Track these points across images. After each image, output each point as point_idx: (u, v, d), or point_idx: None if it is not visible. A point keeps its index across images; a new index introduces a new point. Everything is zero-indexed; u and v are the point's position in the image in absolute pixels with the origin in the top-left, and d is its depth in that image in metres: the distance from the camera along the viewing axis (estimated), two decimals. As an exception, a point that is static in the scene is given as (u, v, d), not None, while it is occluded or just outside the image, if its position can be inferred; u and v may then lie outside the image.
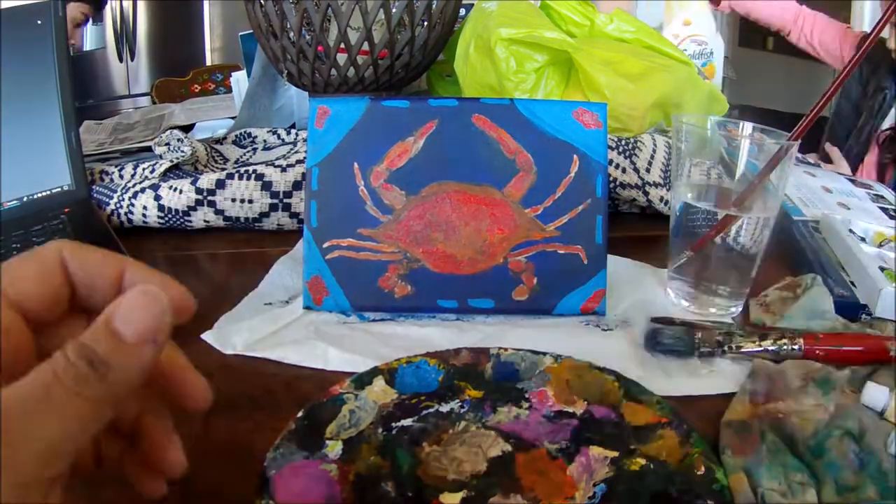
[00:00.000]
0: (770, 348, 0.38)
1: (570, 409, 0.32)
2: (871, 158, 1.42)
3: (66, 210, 0.58)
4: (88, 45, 2.44)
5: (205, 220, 0.59)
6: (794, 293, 0.44)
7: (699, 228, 0.44)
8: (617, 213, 0.64)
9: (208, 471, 0.30)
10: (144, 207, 0.58)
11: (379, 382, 0.33)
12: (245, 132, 0.82)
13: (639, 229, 0.62)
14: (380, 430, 0.30)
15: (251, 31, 0.72)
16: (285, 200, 0.58)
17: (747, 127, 0.45)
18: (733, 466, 0.29)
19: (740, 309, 0.45)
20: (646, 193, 0.61)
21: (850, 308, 0.44)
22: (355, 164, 0.44)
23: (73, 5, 1.61)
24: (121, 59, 2.40)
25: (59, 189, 0.61)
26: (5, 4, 0.62)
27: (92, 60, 2.43)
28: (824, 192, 0.69)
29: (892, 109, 1.41)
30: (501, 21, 0.61)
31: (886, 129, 1.39)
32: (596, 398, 0.33)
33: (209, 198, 0.58)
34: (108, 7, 2.33)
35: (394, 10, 0.62)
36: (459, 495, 0.27)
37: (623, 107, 0.60)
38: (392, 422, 0.31)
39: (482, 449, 0.30)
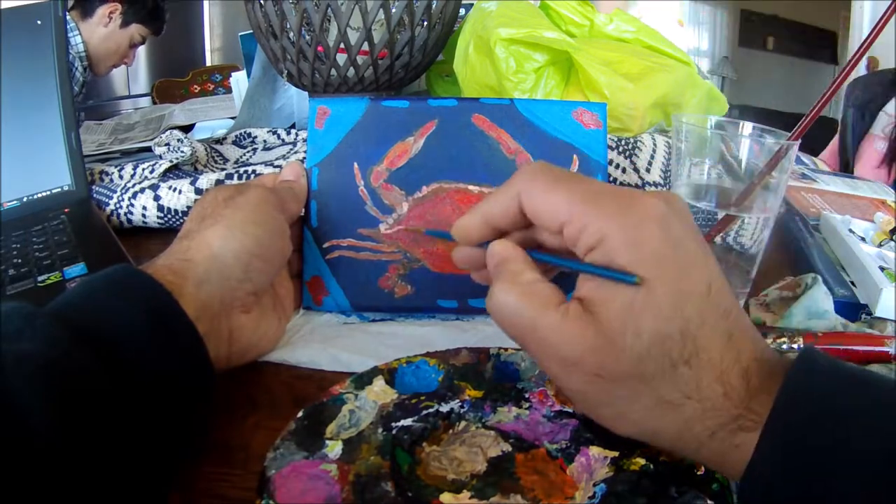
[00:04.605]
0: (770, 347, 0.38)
1: (570, 409, 0.32)
2: (871, 161, 1.42)
3: (66, 210, 0.58)
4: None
5: (205, 221, 0.59)
6: (794, 293, 0.44)
7: (699, 228, 0.44)
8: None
9: (208, 471, 0.30)
10: (144, 207, 0.58)
11: (379, 382, 0.33)
12: (245, 132, 0.82)
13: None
14: (380, 430, 0.30)
15: (251, 31, 0.72)
16: (285, 200, 0.58)
17: (747, 127, 0.45)
18: None
19: (740, 308, 0.46)
20: (646, 193, 0.61)
21: (850, 308, 0.44)
22: (355, 165, 0.44)
23: (135, 27, 1.78)
24: (121, 60, 2.40)
25: (59, 189, 0.61)
26: (5, 4, 0.62)
27: (92, 61, 2.42)
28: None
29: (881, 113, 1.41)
30: (501, 21, 0.61)
31: None
32: (596, 398, 0.33)
33: (209, 198, 0.58)
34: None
35: (393, 10, 0.62)
36: (459, 495, 0.27)
37: (623, 107, 0.60)
38: (392, 422, 0.31)
39: (482, 449, 0.30)
